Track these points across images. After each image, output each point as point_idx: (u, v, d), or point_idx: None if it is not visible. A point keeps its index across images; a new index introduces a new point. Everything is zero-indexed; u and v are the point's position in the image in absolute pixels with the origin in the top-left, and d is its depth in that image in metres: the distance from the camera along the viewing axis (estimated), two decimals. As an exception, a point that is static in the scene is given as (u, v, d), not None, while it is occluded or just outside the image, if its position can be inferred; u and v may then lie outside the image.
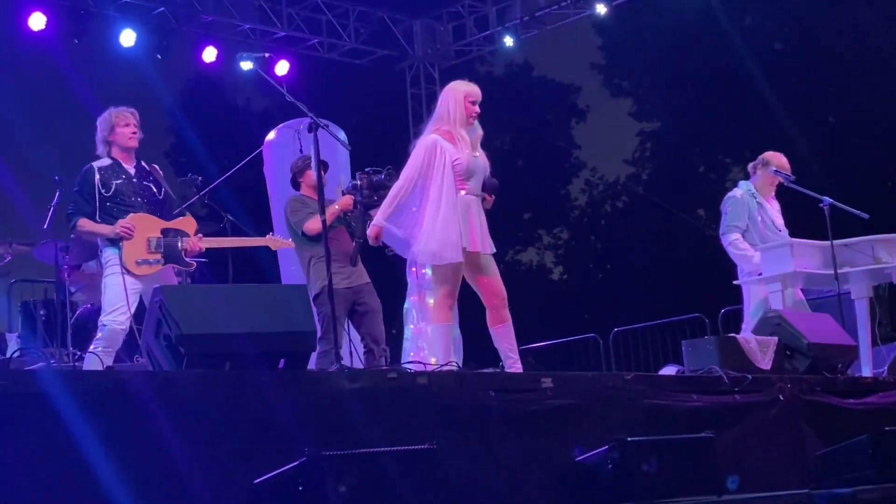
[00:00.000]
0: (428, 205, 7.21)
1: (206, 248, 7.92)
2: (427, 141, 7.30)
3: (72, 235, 7.82)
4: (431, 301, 7.35)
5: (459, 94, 7.45)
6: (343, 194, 8.50)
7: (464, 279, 7.41)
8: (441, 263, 7.17)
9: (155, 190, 7.66)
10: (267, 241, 8.14)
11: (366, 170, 8.35)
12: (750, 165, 9.63)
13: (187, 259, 7.55)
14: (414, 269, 7.50)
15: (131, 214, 7.43)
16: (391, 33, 17.06)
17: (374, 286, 8.61)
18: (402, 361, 7.45)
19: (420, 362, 6.96)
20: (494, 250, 7.45)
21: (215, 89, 25.07)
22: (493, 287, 7.47)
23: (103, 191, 7.46)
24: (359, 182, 8.29)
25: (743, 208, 9.31)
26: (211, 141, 20.43)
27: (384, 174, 8.22)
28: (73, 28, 14.18)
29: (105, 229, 7.39)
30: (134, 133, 7.61)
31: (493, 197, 7.48)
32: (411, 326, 7.64)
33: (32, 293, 10.37)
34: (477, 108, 7.47)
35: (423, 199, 7.24)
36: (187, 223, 7.64)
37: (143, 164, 7.72)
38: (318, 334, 7.19)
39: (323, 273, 7.65)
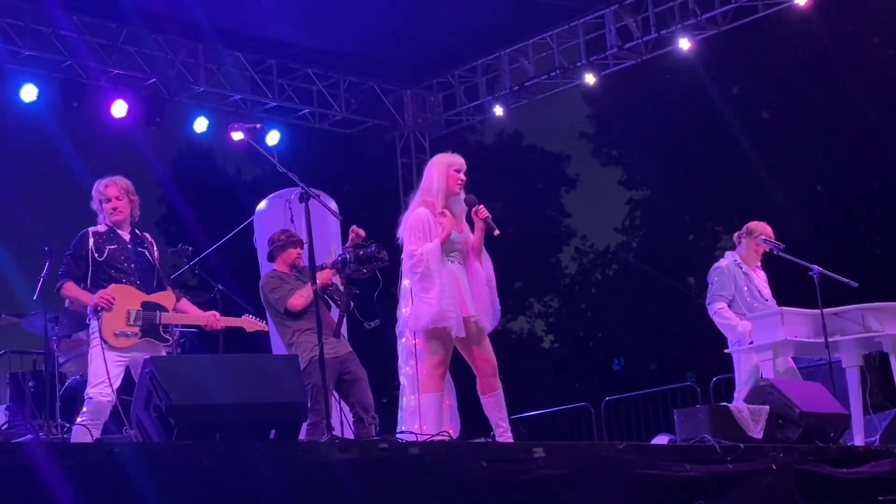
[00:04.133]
0: (420, 275, 7.28)
1: (183, 294, 7.91)
2: (417, 214, 7.43)
3: (57, 294, 7.80)
4: (408, 369, 7.43)
5: (443, 165, 7.61)
6: (323, 268, 8.36)
7: (455, 348, 7.42)
8: (437, 332, 7.23)
9: (148, 256, 7.68)
10: (243, 322, 8.02)
11: (351, 244, 8.34)
12: (735, 235, 9.66)
13: (163, 335, 7.52)
14: (405, 339, 7.50)
15: (112, 285, 7.40)
16: (381, 103, 17.16)
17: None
18: (397, 431, 7.44)
19: (412, 432, 6.95)
20: (493, 326, 7.51)
21: (206, 159, 25.18)
22: (483, 355, 7.49)
23: (97, 255, 7.47)
24: (347, 256, 8.27)
25: (729, 278, 9.34)
26: (201, 211, 20.48)
27: (372, 247, 8.19)
28: (64, 99, 14.25)
29: (86, 297, 7.38)
30: (114, 208, 7.60)
31: (481, 204, 7.54)
32: (412, 398, 7.59)
33: (21, 364, 10.33)
34: (462, 177, 7.58)
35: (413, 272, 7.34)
36: (166, 297, 7.61)
37: (136, 231, 7.74)
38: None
39: (310, 345, 7.90)
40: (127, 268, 7.53)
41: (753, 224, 9.57)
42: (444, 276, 7.36)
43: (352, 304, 8.34)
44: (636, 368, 24.25)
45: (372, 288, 8.19)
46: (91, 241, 7.51)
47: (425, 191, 7.59)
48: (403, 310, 7.55)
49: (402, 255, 7.61)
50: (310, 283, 7.63)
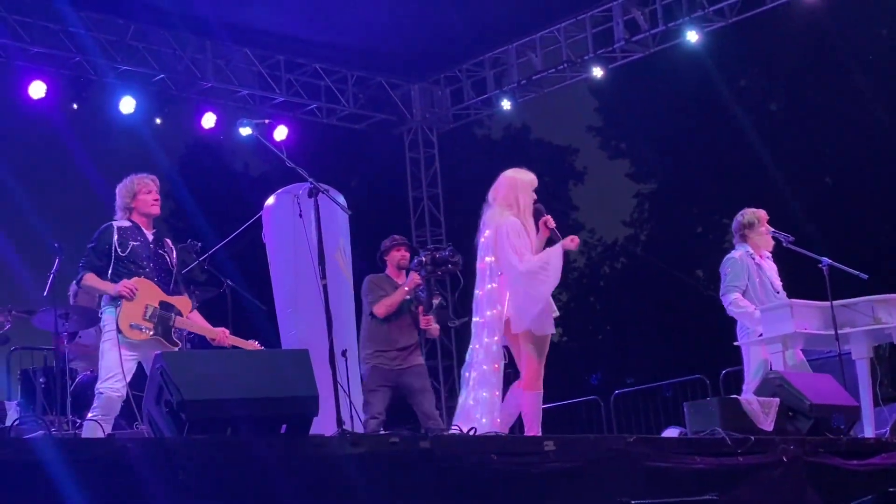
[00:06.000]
0: (524, 280, 7.66)
1: (208, 313, 7.92)
2: (513, 223, 7.76)
3: (77, 285, 7.81)
4: (497, 367, 7.63)
5: (526, 184, 7.92)
6: (407, 272, 9.00)
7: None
8: (544, 334, 7.67)
9: (168, 260, 7.72)
10: (247, 345, 7.89)
11: (429, 246, 9.05)
12: (736, 234, 9.55)
13: (174, 338, 7.52)
14: (497, 337, 7.70)
15: (137, 278, 7.45)
16: (389, 98, 17.17)
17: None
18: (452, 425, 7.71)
19: (458, 427, 7.32)
20: None
21: (214, 155, 25.12)
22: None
23: (119, 250, 7.50)
24: (423, 258, 8.82)
25: (742, 269, 9.30)
26: (210, 207, 20.45)
27: (447, 251, 8.74)
28: (72, 96, 14.27)
29: (108, 286, 7.41)
30: (156, 200, 7.72)
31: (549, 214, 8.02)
32: (483, 394, 7.73)
33: (32, 361, 10.33)
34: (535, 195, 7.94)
35: (517, 275, 7.71)
36: (184, 302, 7.64)
37: (158, 235, 7.79)
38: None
39: (376, 357, 8.85)
40: (146, 265, 7.57)
41: (749, 216, 9.46)
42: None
43: (434, 303, 8.95)
44: (644, 361, 24.20)
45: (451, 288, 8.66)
46: (115, 235, 7.53)
47: (509, 205, 7.85)
48: (489, 312, 7.76)
49: (484, 260, 7.89)
50: (394, 293, 8.79)
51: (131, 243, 7.55)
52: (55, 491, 4.63)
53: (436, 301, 8.98)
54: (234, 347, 7.64)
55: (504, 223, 7.76)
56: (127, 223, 7.66)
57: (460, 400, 7.84)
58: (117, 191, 7.75)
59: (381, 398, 8.73)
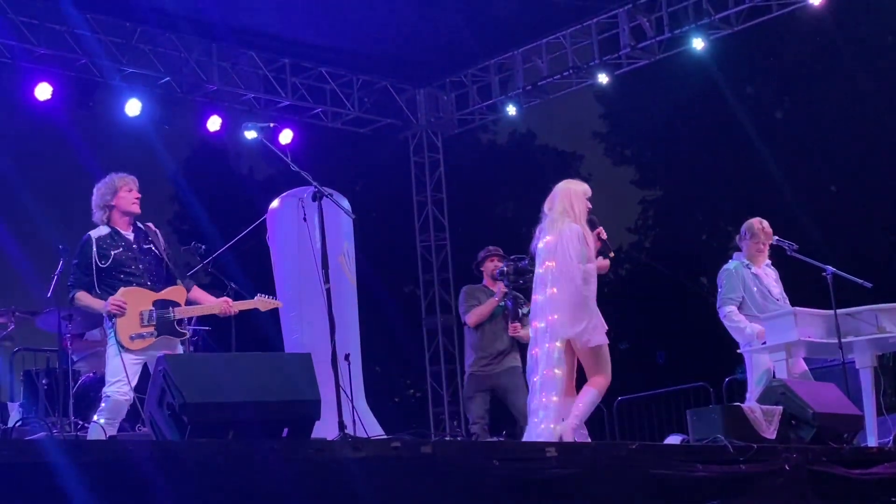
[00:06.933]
0: (587, 290, 7.87)
1: (209, 317, 7.89)
2: (578, 230, 7.87)
3: (71, 304, 7.78)
4: (558, 372, 7.70)
5: (580, 194, 8.02)
6: (494, 279, 9.61)
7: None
8: (604, 343, 7.82)
9: (156, 251, 7.62)
10: (256, 303, 8.03)
11: (511, 257, 9.50)
12: (737, 238, 9.61)
13: (179, 329, 7.50)
14: (558, 342, 7.76)
15: (122, 289, 7.35)
16: (394, 102, 17.17)
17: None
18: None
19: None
20: None
21: (219, 158, 25.15)
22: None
23: (100, 262, 7.40)
24: (506, 269, 9.41)
25: (737, 280, 9.30)
26: (214, 209, 20.47)
27: (527, 261, 9.06)
28: (78, 98, 14.28)
29: (99, 304, 7.35)
30: (137, 198, 7.60)
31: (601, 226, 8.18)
32: (554, 399, 7.76)
33: (35, 362, 10.33)
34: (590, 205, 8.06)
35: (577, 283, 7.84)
36: (177, 292, 7.55)
37: (139, 225, 7.67)
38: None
39: (474, 364, 9.52)
40: (135, 270, 7.48)
41: (750, 225, 9.50)
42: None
43: (520, 312, 9.37)
44: (648, 368, 24.18)
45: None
46: (94, 247, 7.44)
47: (565, 213, 7.94)
48: (550, 317, 7.80)
49: (544, 265, 7.92)
50: (485, 303, 9.47)
51: (112, 252, 7.44)
52: (56, 492, 4.62)
53: (523, 310, 9.29)
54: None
55: (566, 229, 7.88)
56: (105, 230, 7.54)
57: (531, 405, 7.84)
58: (95, 189, 7.63)
59: (479, 403, 9.46)
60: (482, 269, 9.88)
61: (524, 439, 7.59)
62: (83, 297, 7.44)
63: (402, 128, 17.57)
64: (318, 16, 14.73)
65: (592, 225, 8.06)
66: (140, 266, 7.51)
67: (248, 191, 21.38)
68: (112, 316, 7.29)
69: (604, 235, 8.14)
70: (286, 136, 15.69)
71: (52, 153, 19.12)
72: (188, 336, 7.72)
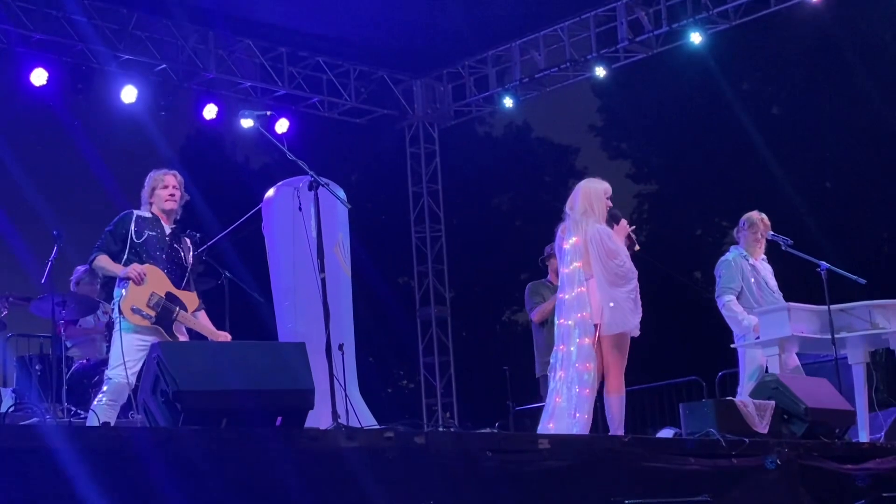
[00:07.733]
0: (613, 283, 7.97)
1: (204, 307, 7.90)
2: (605, 229, 7.99)
3: (90, 265, 7.83)
4: (590, 366, 7.82)
5: (600, 192, 8.16)
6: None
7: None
8: (632, 335, 7.99)
9: (182, 255, 7.75)
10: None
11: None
12: (735, 231, 9.67)
13: (175, 332, 7.52)
14: (588, 339, 7.85)
15: (149, 265, 7.48)
16: (391, 93, 17.17)
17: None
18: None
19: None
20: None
21: (215, 146, 25.11)
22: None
23: (135, 237, 7.56)
24: None
25: (736, 271, 9.35)
26: (210, 197, 20.41)
27: None
28: (74, 84, 14.26)
29: (118, 268, 7.47)
30: (171, 195, 7.74)
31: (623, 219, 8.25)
32: (577, 390, 7.88)
33: (28, 348, 10.35)
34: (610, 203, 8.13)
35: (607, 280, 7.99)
36: (191, 299, 7.67)
37: (177, 230, 7.82)
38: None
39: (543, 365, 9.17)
40: (159, 257, 7.60)
41: (750, 216, 9.55)
42: None
43: None
44: (640, 362, 24.22)
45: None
46: (133, 223, 7.59)
47: (586, 213, 8.06)
48: (578, 315, 7.90)
49: (571, 265, 8.03)
50: (549, 300, 9.13)
51: (147, 233, 7.61)
52: (49, 478, 4.63)
53: None
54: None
55: (592, 230, 7.98)
56: (148, 214, 7.73)
57: (554, 401, 7.86)
58: (145, 182, 7.85)
59: None
60: (548, 264, 9.78)
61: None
62: (103, 260, 7.56)
63: (399, 118, 17.57)
64: (316, 5, 14.72)
65: (615, 218, 8.14)
66: (164, 256, 7.65)
67: (243, 179, 21.36)
68: (127, 280, 7.34)
69: (628, 228, 8.20)
70: (282, 126, 15.68)
71: (47, 139, 19.06)
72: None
